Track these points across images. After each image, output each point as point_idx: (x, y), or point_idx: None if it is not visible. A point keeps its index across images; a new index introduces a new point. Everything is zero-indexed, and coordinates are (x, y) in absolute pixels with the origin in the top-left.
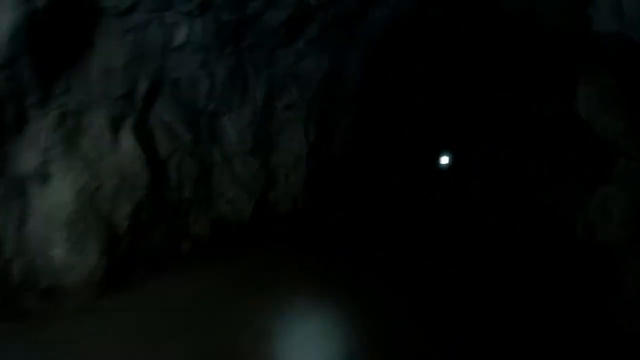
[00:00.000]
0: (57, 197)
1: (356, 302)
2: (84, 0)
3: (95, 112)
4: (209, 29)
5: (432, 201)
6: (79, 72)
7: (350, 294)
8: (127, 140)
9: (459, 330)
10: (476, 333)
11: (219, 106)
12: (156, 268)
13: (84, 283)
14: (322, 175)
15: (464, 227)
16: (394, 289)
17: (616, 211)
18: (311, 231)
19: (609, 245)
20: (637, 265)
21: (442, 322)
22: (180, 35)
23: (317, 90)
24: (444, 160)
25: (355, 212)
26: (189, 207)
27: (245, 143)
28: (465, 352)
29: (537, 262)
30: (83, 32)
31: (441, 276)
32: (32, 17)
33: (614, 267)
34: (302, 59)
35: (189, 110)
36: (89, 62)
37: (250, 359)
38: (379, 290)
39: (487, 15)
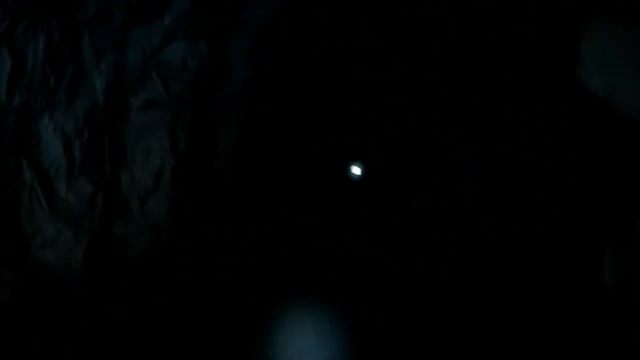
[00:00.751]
0: None
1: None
2: None
3: None
4: None
5: (419, 203)
6: None
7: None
8: None
9: (451, 332)
10: (469, 335)
11: (34, 101)
12: None
13: None
14: (198, 198)
15: (455, 229)
16: (385, 290)
17: None
18: (186, 285)
19: None
20: None
21: (433, 323)
22: None
23: (190, 83)
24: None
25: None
26: None
27: (74, 155)
28: (457, 353)
29: (533, 263)
30: None
31: (433, 278)
32: None
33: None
34: (170, 41)
35: None
36: None
37: None
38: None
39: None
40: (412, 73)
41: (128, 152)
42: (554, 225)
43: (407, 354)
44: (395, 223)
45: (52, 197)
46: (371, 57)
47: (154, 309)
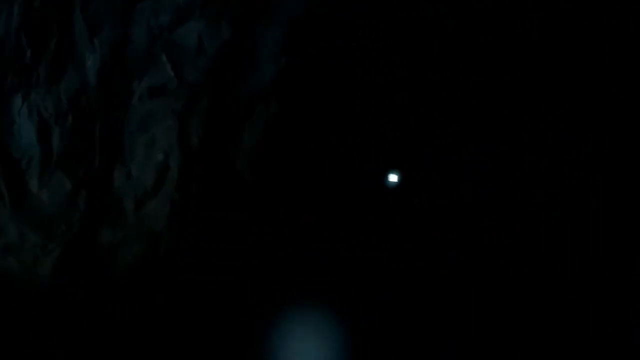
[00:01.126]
0: None
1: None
2: None
3: None
4: None
5: (419, 203)
6: None
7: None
8: None
9: (451, 332)
10: (469, 335)
11: (3, 76)
12: None
13: None
14: (209, 202)
15: (455, 229)
16: (385, 290)
17: None
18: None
19: None
20: None
21: (433, 323)
22: None
23: (208, 69)
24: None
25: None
26: None
27: (52, 145)
28: (457, 353)
29: (533, 263)
30: None
31: (433, 278)
32: None
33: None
34: (185, 20)
35: None
36: None
37: None
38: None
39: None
40: (412, 73)
41: (126, 143)
42: (554, 225)
43: (407, 354)
44: (395, 223)
45: (19, 193)
46: (371, 57)
47: (152, 310)
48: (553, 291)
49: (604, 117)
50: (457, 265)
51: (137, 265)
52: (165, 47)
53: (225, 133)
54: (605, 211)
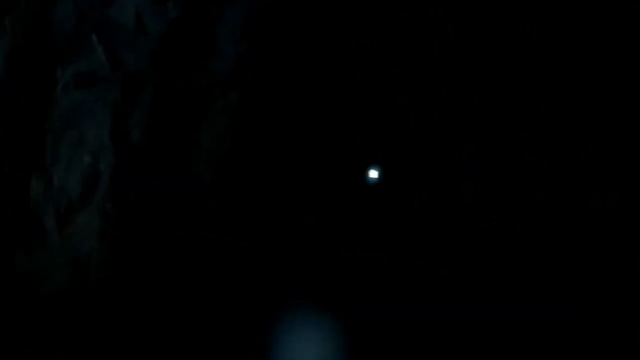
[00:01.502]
0: None
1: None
2: None
3: None
4: None
5: (419, 203)
6: None
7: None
8: None
9: (451, 332)
10: (469, 335)
11: None
12: None
13: None
14: (154, 214)
15: (455, 229)
16: (385, 290)
17: None
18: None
19: None
20: None
21: (433, 323)
22: None
23: (151, 53)
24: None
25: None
26: None
27: None
28: (457, 353)
29: (533, 263)
30: None
31: (433, 278)
32: None
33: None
34: None
35: None
36: None
37: None
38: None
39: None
40: (412, 73)
41: (47, 144)
42: (554, 225)
43: (407, 354)
44: (395, 223)
45: None
46: (371, 57)
47: (151, 310)
48: (553, 291)
49: (604, 117)
50: (457, 265)
51: (68, 289)
52: (96, 27)
53: (176, 129)
54: (605, 211)
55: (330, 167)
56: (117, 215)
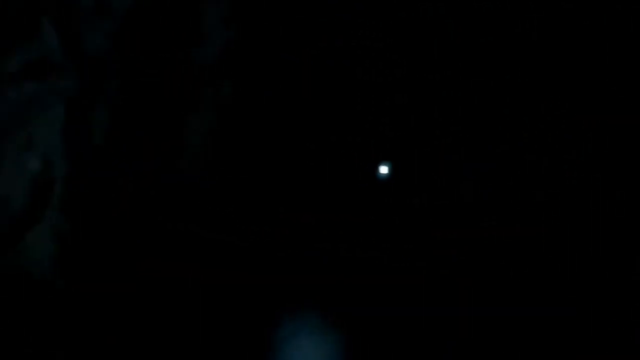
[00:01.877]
0: None
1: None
2: None
3: None
4: None
5: (419, 203)
6: None
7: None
8: None
9: (451, 332)
10: (469, 335)
11: None
12: None
13: None
14: (114, 227)
15: (455, 229)
16: (385, 290)
17: None
18: None
19: None
20: None
21: (434, 323)
22: None
23: (116, 36)
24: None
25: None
26: None
27: None
28: (457, 353)
29: (533, 263)
30: None
31: (433, 278)
32: None
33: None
34: None
35: None
36: None
37: None
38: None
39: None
40: (412, 73)
41: None
42: (554, 225)
43: (407, 354)
44: (395, 223)
45: None
46: (371, 57)
47: (150, 310)
48: (553, 291)
49: (604, 117)
50: (457, 265)
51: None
52: (48, 6)
53: (152, 125)
54: (606, 211)
55: (330, 166)
56: (74, 233)
